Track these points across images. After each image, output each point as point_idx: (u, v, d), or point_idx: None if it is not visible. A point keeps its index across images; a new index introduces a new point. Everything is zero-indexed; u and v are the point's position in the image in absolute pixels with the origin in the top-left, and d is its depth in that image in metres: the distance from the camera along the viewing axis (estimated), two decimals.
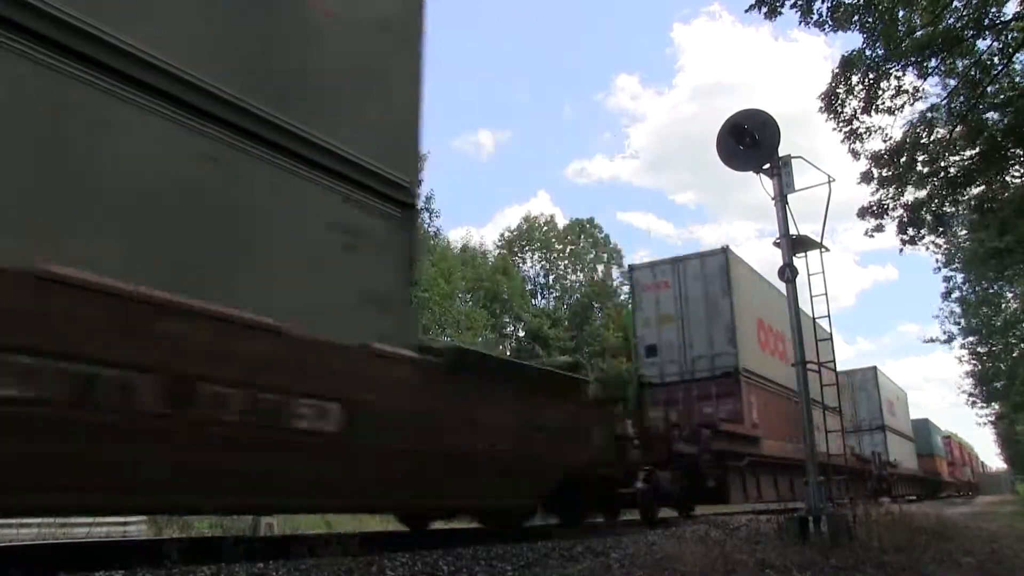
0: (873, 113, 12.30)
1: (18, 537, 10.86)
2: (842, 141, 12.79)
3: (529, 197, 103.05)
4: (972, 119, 12.24)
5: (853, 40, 12.60)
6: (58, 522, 11.90)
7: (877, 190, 13.31)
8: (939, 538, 6.24)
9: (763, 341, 14.00)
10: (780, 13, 10.81)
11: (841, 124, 12.50)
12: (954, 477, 44.06)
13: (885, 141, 12.80)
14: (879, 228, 13.60)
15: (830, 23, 10.98)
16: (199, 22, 3.58)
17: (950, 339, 33.93)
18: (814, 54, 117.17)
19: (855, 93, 12.09)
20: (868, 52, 11.65)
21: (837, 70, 11.99)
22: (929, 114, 12.75)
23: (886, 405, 26.77)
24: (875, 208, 13.45)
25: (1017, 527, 8.97)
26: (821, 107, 12.45)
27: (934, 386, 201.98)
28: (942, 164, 12.89)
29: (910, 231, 13.55)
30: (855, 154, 13.01)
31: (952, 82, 12.39)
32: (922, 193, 13.29)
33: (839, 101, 12.23)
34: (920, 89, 12.31)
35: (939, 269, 27.50)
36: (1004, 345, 32.87)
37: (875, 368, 27.25)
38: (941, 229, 14.66)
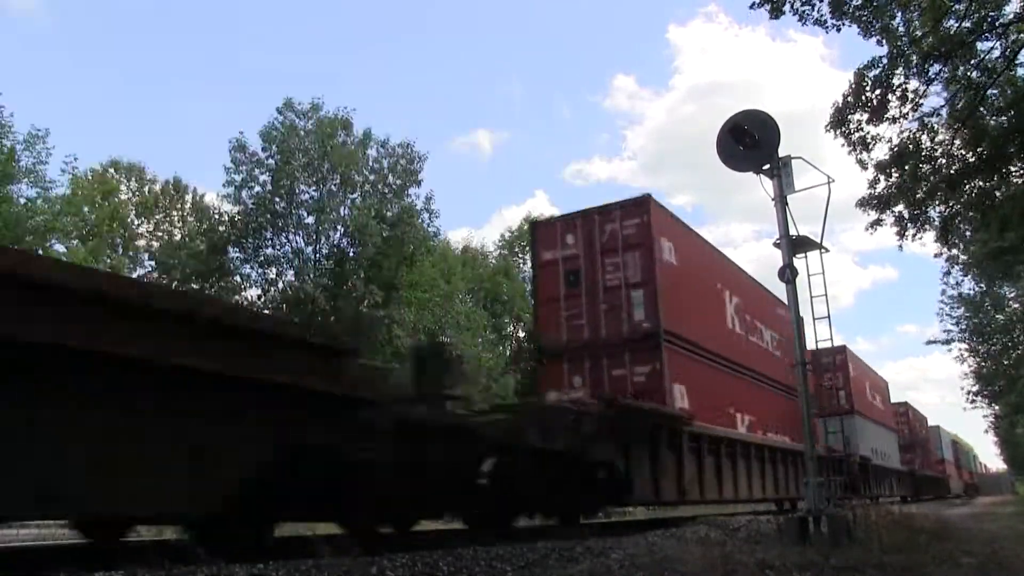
0: (878, 123, 12.31)
1: (18, 538, 10.86)
2: (849, 153, 12.80)
3: (526, 198, 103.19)
4: (973, 122, 12.23)
5: (853, 37, 12.58)
6: (58, 522, 11.89)
7: (880, 183, 13.24)
8: (939, 538, 6.24)
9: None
10: (784, 12, 10.79)
11: (849, 137, 12.48)
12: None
13: (892, 150, 12.80)
14: (878, 222, 13.56)
15: (831, 21, 10.98)
16: None
17: (948, 341, 33.79)
18: (812, 54, 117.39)
19: (864, 106, 12.06)
20: (879, 66, 11.65)
21: (849, 93, 11.96)
22: (928, 119, 12.76)
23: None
24: (875, 201, 13.42)
25: (1017, 528, 8.96)
26: (828, 125, 12.45)
27: (933, 386, 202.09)
28: (942, 166, 12.87)
29: (909, 228, 13.52)
30: (862, 164, 12.99)
31: (954, 86, 12.38)
32: (921, 193, 13.26)
33: (848, 122, 12.23)
34: (924, 93, 12.30)
35: (948, 272, 27.17)
36: (1004, 345, 32.79)
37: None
38: (944, 236, 14.61)
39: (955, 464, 47.00)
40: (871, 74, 11.76)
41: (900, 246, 13.86)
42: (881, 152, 12.92)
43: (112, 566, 3.53)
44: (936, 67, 11.72)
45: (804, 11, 10.80)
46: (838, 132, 12.40)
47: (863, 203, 13.47)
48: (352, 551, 4.28)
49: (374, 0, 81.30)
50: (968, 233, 16.35)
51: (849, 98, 12.02)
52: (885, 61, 11.62)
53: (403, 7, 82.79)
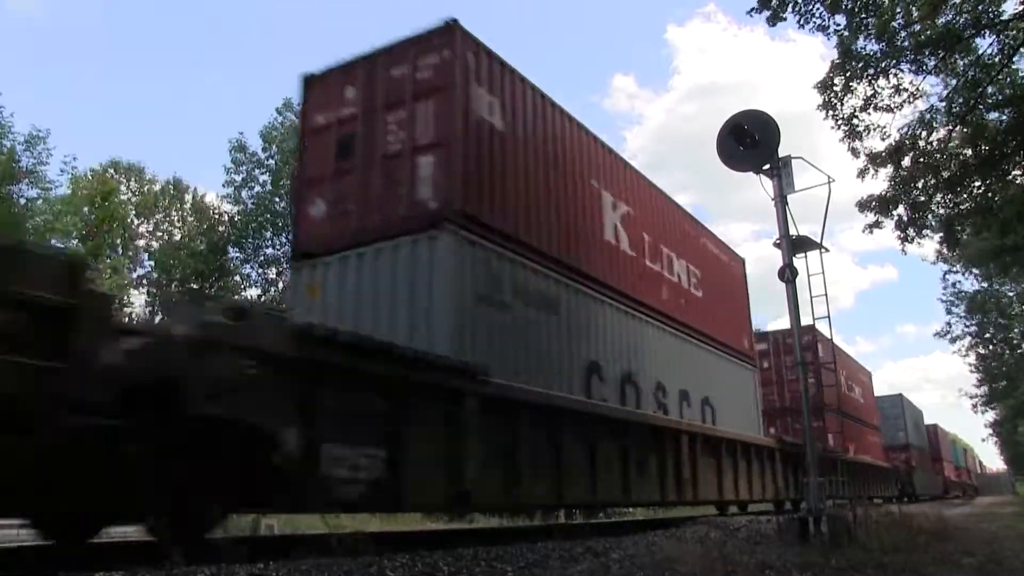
0: (872, 111, 12.30)
1: (18, 537, 10.86)
2: (841, 140, 12.79)
3: None
4: (972, 120, 12.23)
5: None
6: None
7: (870, 172, 13.19)
8: (939, 539, 6.24)
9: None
10: (783, 19, 10.74)
11: (840, 122, 12.49)
12: None
13: (884, 139, 12.79)
14: (877, 224, 13.54)
15: (834, 27, 10.97)
16: None
17: (953, 338, 33.82)
18: (812, 54, 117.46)
19: (854, 92, 12.08)
20: (863, 45, 11.62)
21: (835, 62, 11.96)
22: (927, 115, 12.74)
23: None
24: (875, 203, 13.39)
25: (1018, 527, 8.96)
26: (819, 105, 12.44)
27: (934, 386, 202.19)
28: (940, 164, 12.85)
29: (910, 231, 13.51)
30: (854, 152, 13.00)
31: (952, 81, 12.37)
32: (921, 195, 13.25)
33: (836, 97, 12.18)
34: (919, 88, 12.31)
35: (946, 271, 27.10)
36: (1004, 340, 32.74)
37: None
38: (948, 238, 14.60)
39: (930, 455, 33.37)
40: (857, 54, 11.66)
41: (903, 250, 13.83)
42: (875, 142, 12.92)
43: (112, 566, 3.53)
44: (932, 61, 11.71)
45: (804, 11, 10.75)
46: (827, 114, 12.40)
47: (863, 205, 13.45)
48: (353, 551, 4.28)
49: (373, 0, 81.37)
50: (966, 235, 16.33)
51: (835, 80, 11.97)
52: (874, 49, 11.60)
53: (401, 6, 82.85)
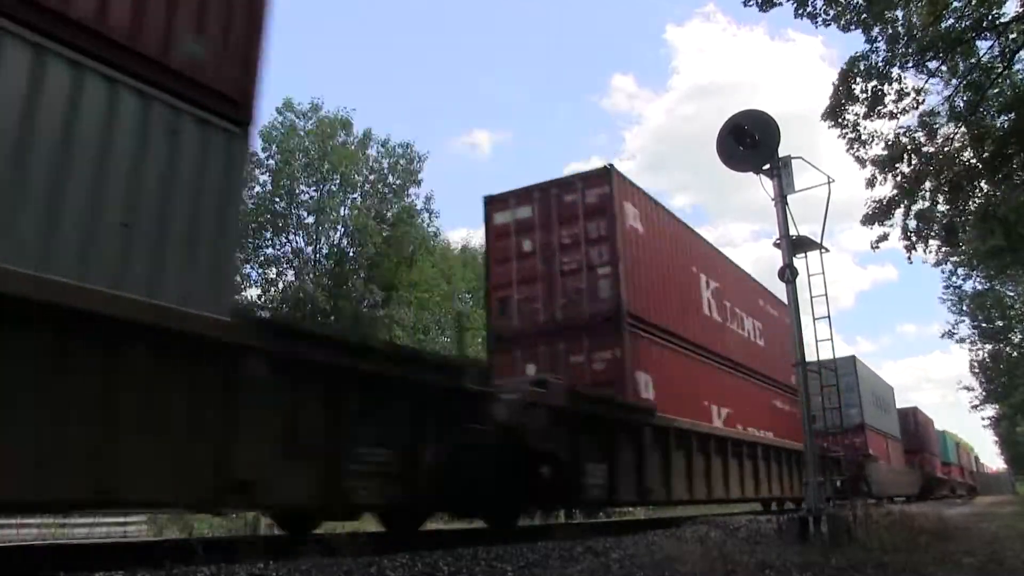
0: (875, 118, 12.33)
1: (18, 537, 10.89)
2: (847, 150, 12.79)
3: None
4: (974, 122, 12.23)
5: (850, 38, 12.65)
6: (58, 522, 11.93)
7: (878, 181, 13.19)
8: (939, 538, 6.24)
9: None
10: (775, 4, 10.85)
11: (845, 132, 12.51)
12: None
13: (888, 147, 12.79)
14: (884, 238, 13.55)
15: (823, 16, 11.06)
16: None
17: (960, 339, 34.01)
18: (811, 53, 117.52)
19: (858, 100, 12.09)
20: (872, 56, 11.67)
21: (837, 81, 12.03)
22: (928, 119, 12.74)
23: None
24: (879, 213, 13.37)
25: (1018, 527, 8.95)
26: (824, 115, 12.45)
27: (934, 386, 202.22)
28: (942, 168, 12.84)
29: (915, 238, 13.54)
30: (860, 161, 12.99)
31: (954, 83, 12.37)
32: (926, 201, 13.27)
33: (842, 112, 12.25)
34: (923, 91, 12.30)
35: (949, 273, 27.00)
36: (1005, 339, 32.80)
37: None
38: (949, 240, 14.63)
39: (904, 445, 27.13)
40: (862, 64, 11.75)
41: (909, 259, 13.89)
42: (880, 149, 12.94)
43: (112, 566, 3.54)
44: (934, 63, 11.73)
45: None
46: (833, 123, 12.42)
47: (867, 220, 13.42)
48: (353, 551, 4.28)
49: (371, 0, 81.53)
50: (966, 236, 16.37)
51: (841, 88, 12.02)
52: (881, 50, 11.64)
53: (401, 6, 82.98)
